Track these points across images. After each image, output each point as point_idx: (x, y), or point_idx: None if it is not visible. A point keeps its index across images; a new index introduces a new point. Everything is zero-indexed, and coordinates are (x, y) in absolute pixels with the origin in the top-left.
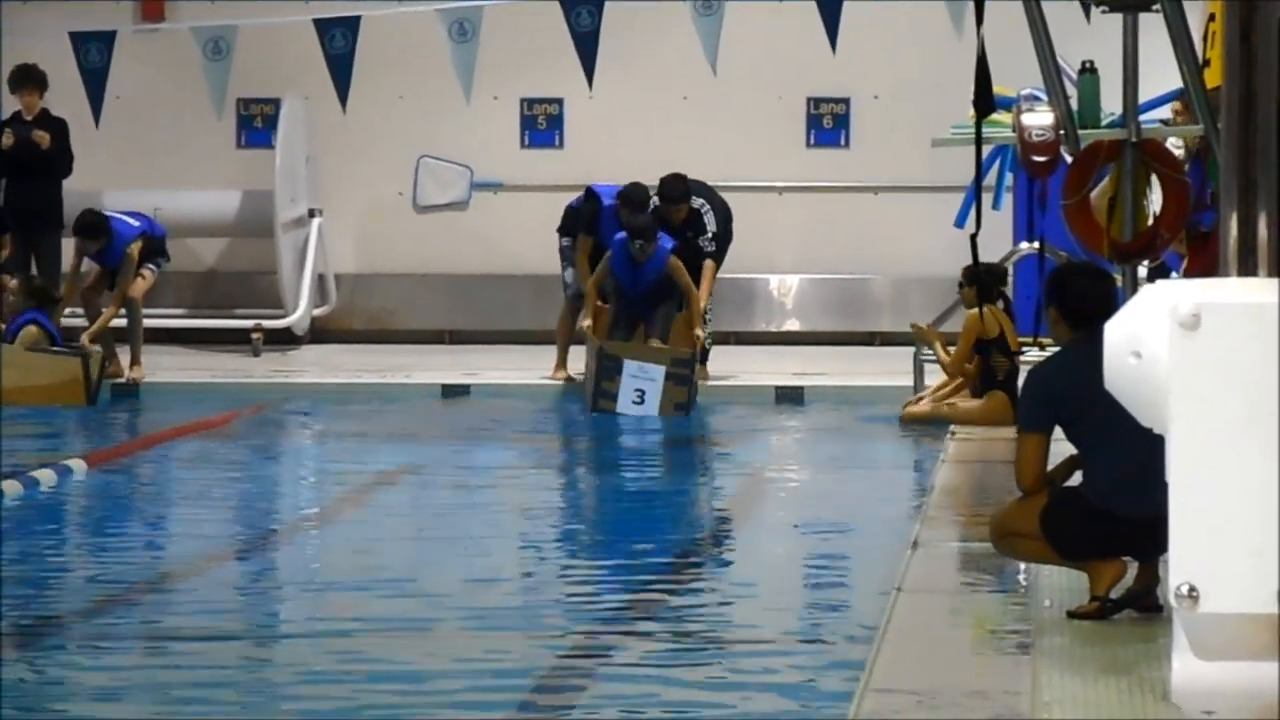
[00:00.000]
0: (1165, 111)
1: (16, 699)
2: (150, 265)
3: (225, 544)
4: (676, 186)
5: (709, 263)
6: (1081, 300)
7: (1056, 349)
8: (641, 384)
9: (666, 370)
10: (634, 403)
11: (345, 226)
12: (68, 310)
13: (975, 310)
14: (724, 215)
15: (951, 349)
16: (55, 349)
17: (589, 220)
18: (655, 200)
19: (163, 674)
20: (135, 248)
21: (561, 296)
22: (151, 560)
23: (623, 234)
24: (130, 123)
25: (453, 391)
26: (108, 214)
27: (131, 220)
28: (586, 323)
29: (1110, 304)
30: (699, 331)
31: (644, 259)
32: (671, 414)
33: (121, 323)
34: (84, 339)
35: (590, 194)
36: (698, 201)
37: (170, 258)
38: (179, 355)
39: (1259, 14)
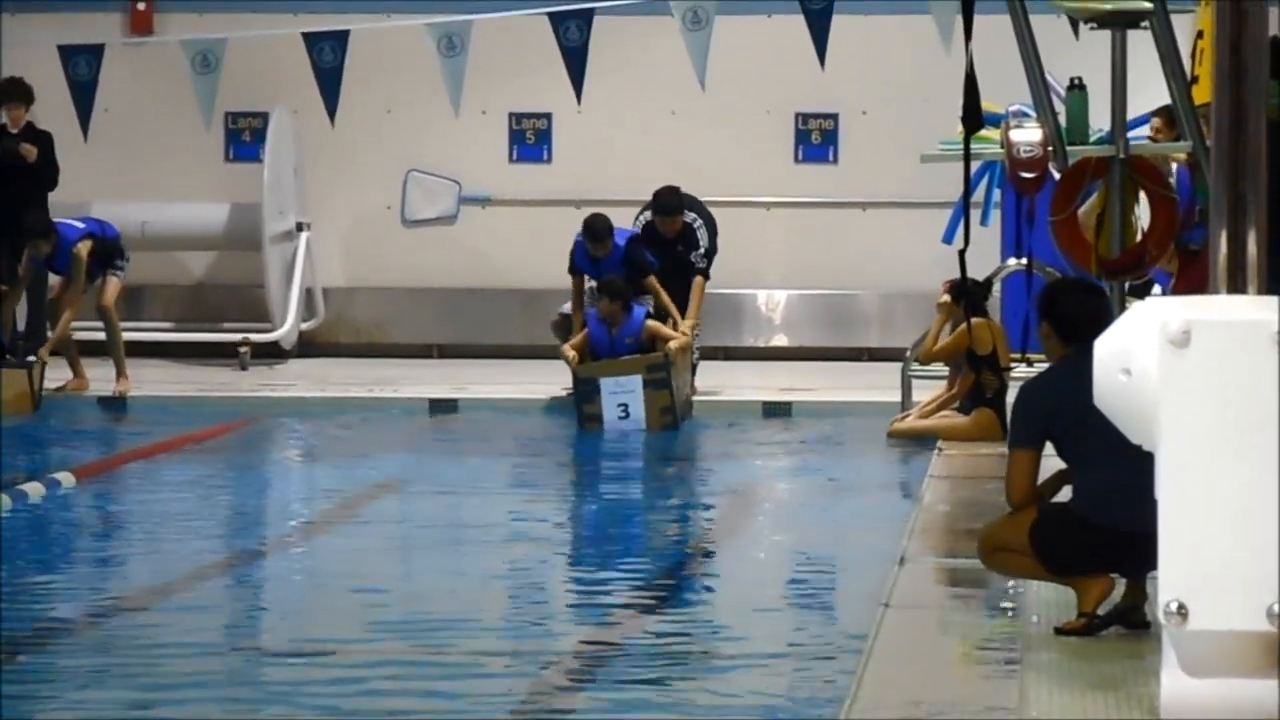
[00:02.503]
0: (1146, 130)
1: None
2: (115, 270)
3: (212, 558)
4: (671, 199)
5: (698, 279)
6: (1074, 316)
7: (1046, 365)
8: (622, 398)
9: (643, 379)
10: (620, 418)
11: (333, 240)
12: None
13: (964, 326)
14: (713, 230)
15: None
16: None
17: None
18: (647, 215)
19: (146, 687)
20: (83, 247)
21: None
22: (137, 574)
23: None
24: (119, 135)
25: (440, 406)
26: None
27: (77, 223)
28: (570, 353)
29: (1102, 320)
30: (685, 327)
31: (615, 325)
32: (661, 423)
33: (100, 336)
34: (42, 352)
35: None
36: (690, 216)
37: (128, 258)
38: (166, 369)
39: (1248, 29)
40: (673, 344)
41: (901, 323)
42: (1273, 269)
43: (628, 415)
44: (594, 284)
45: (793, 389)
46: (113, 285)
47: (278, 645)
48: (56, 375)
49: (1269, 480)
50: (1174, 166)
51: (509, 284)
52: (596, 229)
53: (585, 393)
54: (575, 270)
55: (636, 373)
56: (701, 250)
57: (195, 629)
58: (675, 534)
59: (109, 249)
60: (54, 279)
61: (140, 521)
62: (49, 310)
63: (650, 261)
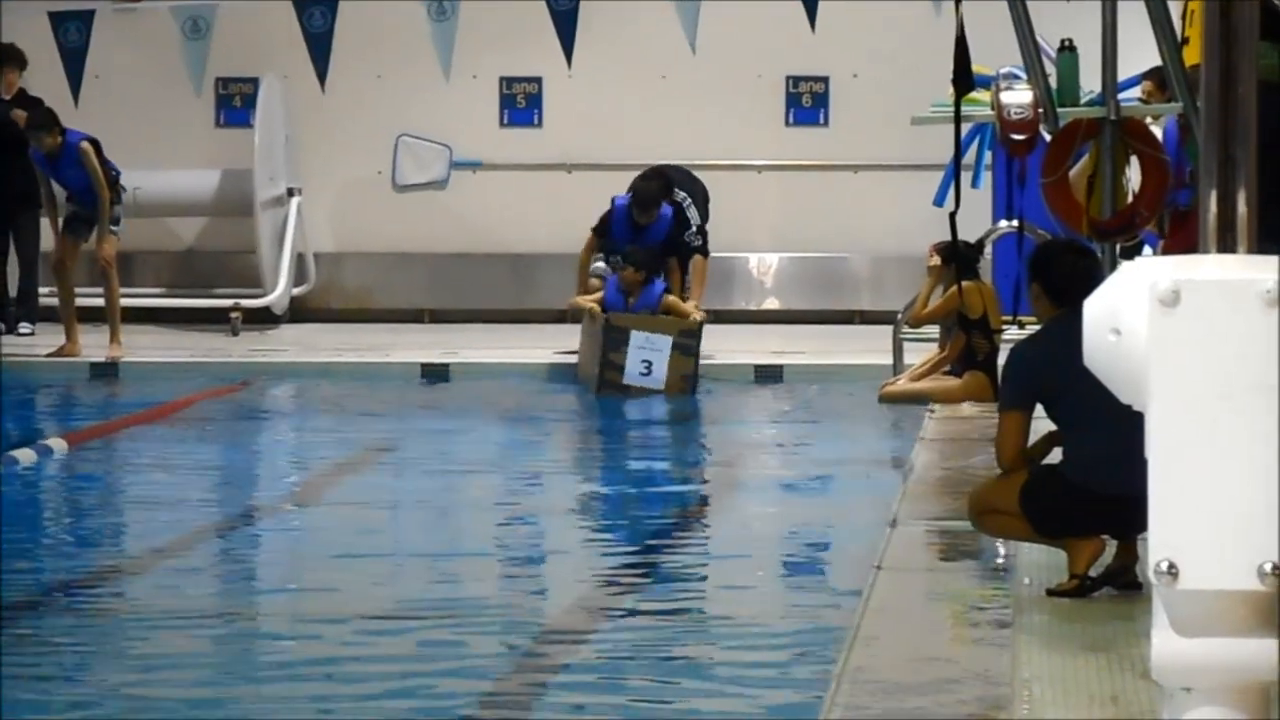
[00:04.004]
0: (1136, 92)
1: None
2: (111, 230)
3: (203, 525)
4: (649, 192)
5: (698, 259)
6: (1065, 277)
7: (1037, 327)
8: (649, 355)
9: (674, 340)
10: (641, 374)
11: (324, 205)
12: (42, 290)
13: (954, 288)
14: (704, 200)
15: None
16: None
17: (602, 222)
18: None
19: (136, 657)
20: (88, 146)
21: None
22: (127, 542)
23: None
24: (109, 102)
25: (432, 370)
26: None
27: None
28: (588, 302)
29: (1093, 281)
30: (693, 310)
31: (633, 294)
32: (678, 389)
33: (99, 301)
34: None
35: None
36: (680, 195)
37: (122, 216)
38: (157, 334)
39: None
40: (697, 315)
41: (892, 286)
42: (1263, 231)
43: (649, 373)
44: (616, 255)
45: (784, 352)
46: (110, 243)
47: (267, 614)
48: (49, 340)
49: (1260, 439)
50: (1160, 129)
51: (500, 249)
52: (647, 198)
53: (614, 340)
54: (604, 233)
55: (670, 333)
56: (694, 228)
57: (185, 597)
58: (664, 499)
59: (110, 178)
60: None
61: (132, 488)
62: (57, 275)
63: (699, 246)
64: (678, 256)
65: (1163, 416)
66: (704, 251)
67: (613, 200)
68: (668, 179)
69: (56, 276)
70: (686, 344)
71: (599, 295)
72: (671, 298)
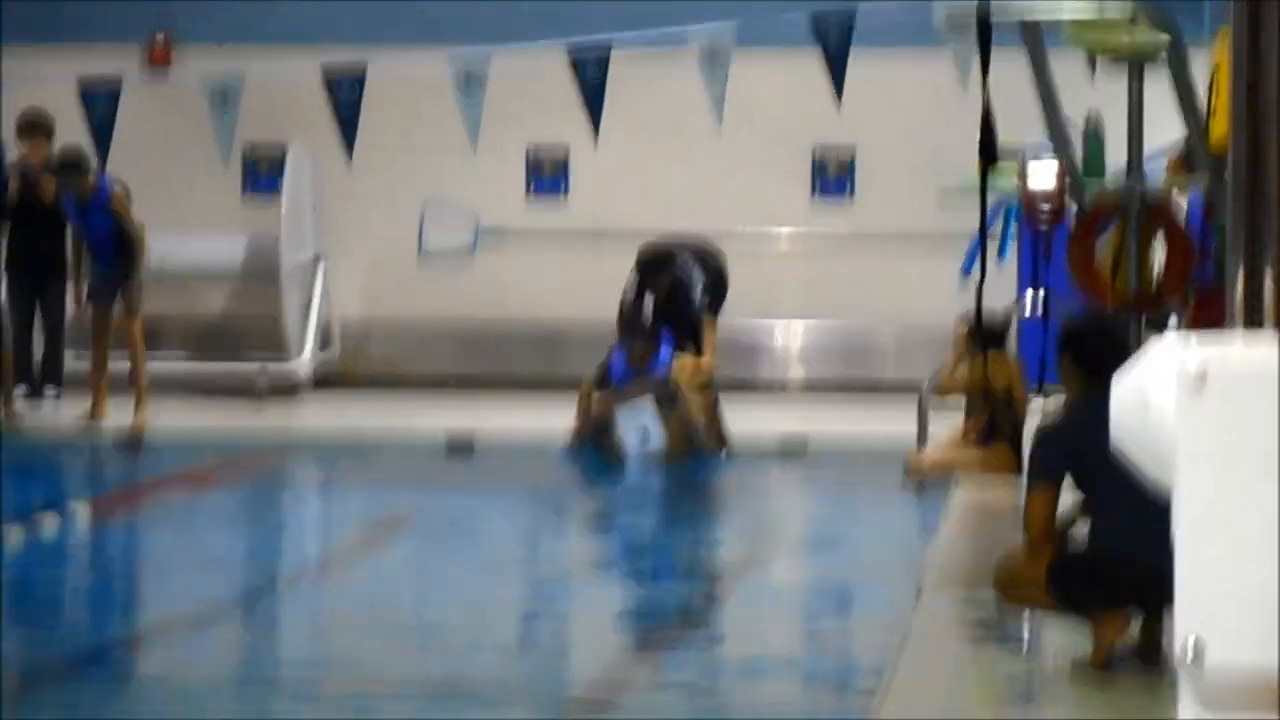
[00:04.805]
0: (1162, 165)
1: None
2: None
3: (228, 593)
4: (651, 256)
5: (707, 319)
6: (1096, 351)
7: (1065, 399)
8: (640, 422)
9: (656, 399)
10: (641, 443)
11: (351, 273)
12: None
13: (980, 360)
14: (716, 267)
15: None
16: None
17: (600, 369)
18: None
19: None
20: (121, 191)
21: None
22: (152, 609)
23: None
24: (137, 170)
25: (457, 440)
26: None
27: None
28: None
29: (1123, 355)
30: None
31: (641, 366)
32: (682, 439)
33: (124, 366)
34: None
35: None
36: (683, 260)
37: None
38: (183, 401)
39: (1264, 66)
40: (675, 364)
41: (918, 356)
42: None
43: (649, 438)
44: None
45: (809, 421)
46: (138, 322)
47: (289, 686)
48: (75, 406)
49: None
50: (1185, 201)
51: (526, 317)
52: (656, 256)
53: (602, 426)
54: (603, 383)
55: (647, 394)
56: (700, 292)
57: (211, 665)
58: (688, 570)
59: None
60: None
61: (155, 557)
62: (95, 338)
63: (707, 304)
64: (688, 322)
65: (1190, 495)
66: (713, 312)
67: (610, 349)
68: (666, 248)
69: (95, 340)
70: (666, 394)
71: (601, 373)
72: (680, 359)
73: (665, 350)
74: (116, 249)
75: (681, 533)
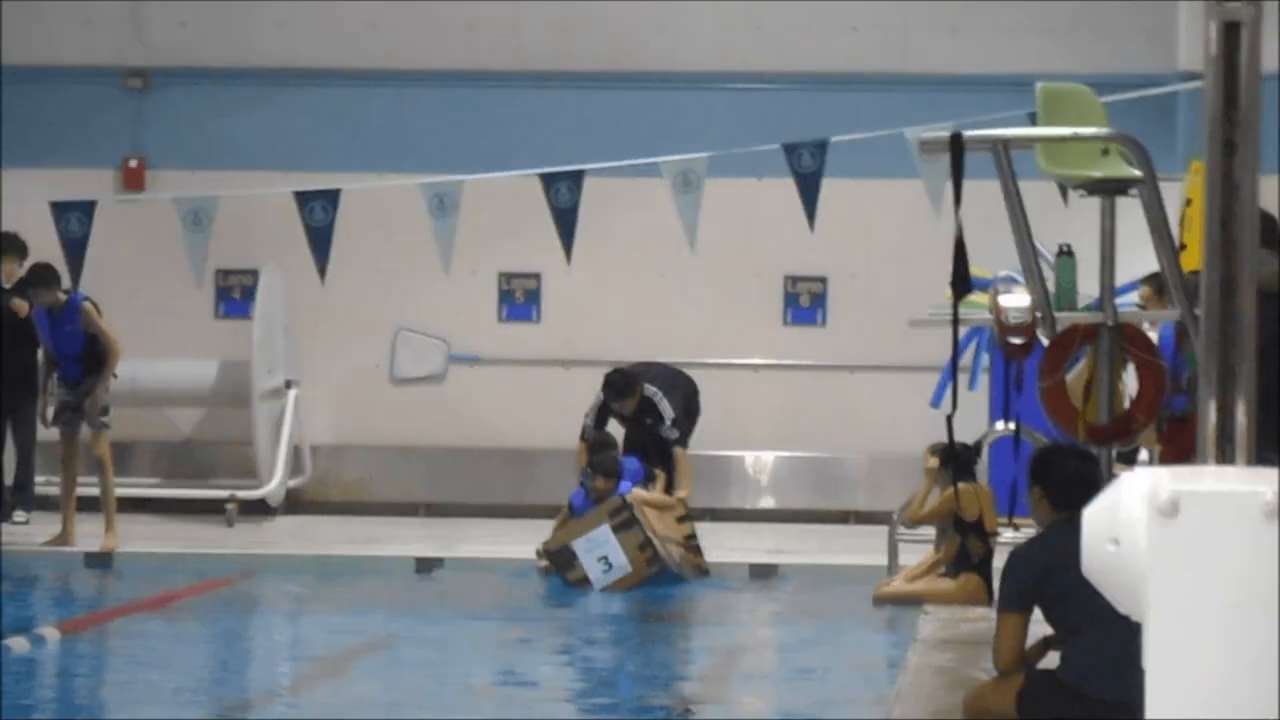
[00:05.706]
0: (1134, 297)
1: None
2: (102, 426)
3: (192, 718)
4: (617, 383)
5: (678, 451)
6: (1066, 482)
7: (1036, 530)
8: (599, 551)
9: (609, 525)
10: (604, 572)
11: (322, 397)
12: (39, 479)
13: (951, 490)
14: (685, 395)
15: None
16: None
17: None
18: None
19: None
20: (90, 305)
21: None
22: None
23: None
24: (109, 291)
25: (426, 565)
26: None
27: None
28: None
29: (1094, 486)
30: (684, 494)
31: (603, 500)
32: (644, 561)
33: (94, 490)
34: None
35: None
36: (649, 390)
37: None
38: (152, 524)
39: (1238, 201)
40: (681, 493)
41: (889, 486)
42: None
43: (611, 566)
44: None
45: (780, 550)
46: (103, 439)
47: None
48: (45, 529)
49: (1260, 652)
50: (1156, 333)
51: (497, 443)
52: (619, 386)
53: (563, 561)
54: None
55: (602, 522)
56: (669, 421)
57: None
58: (657, 698)
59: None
60: (44, 434)
61: (124, 679)
62: (68, 462)
63: (676, 438)
64: (659, 451)
65: (1161, 627)
66: (682, 443)
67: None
68: (631, 375)
69: (62, 467)
70: (622, 519)
71: (563, 518)
72: (638, 490)
73: (626, 484)
74: (86, 363)
75: (641, 662)
